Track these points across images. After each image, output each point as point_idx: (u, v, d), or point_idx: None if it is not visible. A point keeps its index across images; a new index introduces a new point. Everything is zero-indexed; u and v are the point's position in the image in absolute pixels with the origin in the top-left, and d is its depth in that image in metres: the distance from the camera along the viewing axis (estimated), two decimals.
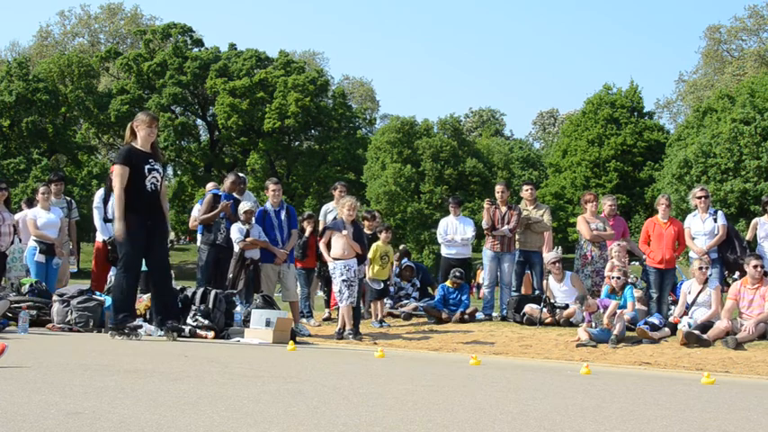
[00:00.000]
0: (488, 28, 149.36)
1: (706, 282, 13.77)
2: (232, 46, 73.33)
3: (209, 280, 14.76)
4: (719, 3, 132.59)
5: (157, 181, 10.93)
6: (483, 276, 17.09)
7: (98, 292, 13.95)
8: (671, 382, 9.46)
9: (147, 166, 10.83)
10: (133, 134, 10.98)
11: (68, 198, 17.25)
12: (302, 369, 8.41)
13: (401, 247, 20.82)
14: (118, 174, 10.81)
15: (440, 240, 17.39)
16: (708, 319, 13.32)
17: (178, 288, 13.95)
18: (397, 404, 5.75)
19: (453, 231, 17.01)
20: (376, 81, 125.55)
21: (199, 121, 74.73)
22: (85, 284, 14.71)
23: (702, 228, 14.81)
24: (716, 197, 42.45)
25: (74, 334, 12.39)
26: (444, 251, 17.22)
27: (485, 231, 16.24)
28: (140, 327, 11.18)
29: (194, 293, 13.52)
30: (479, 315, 16.14)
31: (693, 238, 14.87)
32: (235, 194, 15.50)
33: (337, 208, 15.33)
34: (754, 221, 15.43)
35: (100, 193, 15.80)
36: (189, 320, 12.95)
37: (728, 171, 45.82)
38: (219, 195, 15.43)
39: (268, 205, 15.29)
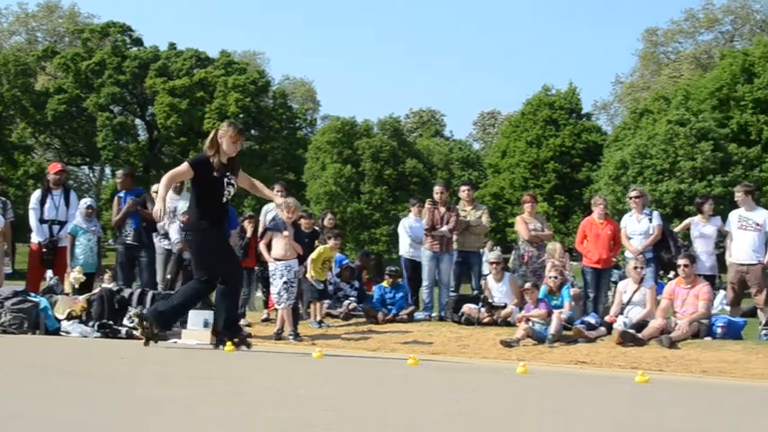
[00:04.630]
0: (429, 28, 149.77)
1: (641, 281, 13.96)
2: (172, 45, 72.64)
3: (126, 279, 14.95)
4: (657, 5, 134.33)
5: (230, 195, 10.47)
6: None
7: (33, 294, 13.78)
8: (606, 381, 9.59)
9: (225, 180, 10.28)
10: (214, 144, 10.21)
11: (3, 198, 17.02)
12: (240, 370, 8.38)
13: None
14: (180, 169, 10.41)
15: (405, 241, 17.34)
16: (643, 318, 13.49)
17: (115, 289, 13.86)
18: (335, 404, 5.76)
19: (416, 233, 16.96)
20: (317, 81, 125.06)
21: (138, 121, 73.92)
22: (20, 286, 14.53)
23: (638, 228, 15.01)
24: (651, 198, 42.98)
25: (8, 336, 12.22)
26: (409, 253, 17.12)
27: (424, 232, 16.28)
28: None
29: (131, 294, 13.42)
30: (418, 315, 16.17)
31: (630, 238, 15.06)
32: (171, 193, 15.50)
33: (277, 208, 15.29)
34: (687, 221, 15.70)
35: (36, 195, 15.72)
36: (125, 321, 12.84)
37: (664, 172, 46.40)
38: (122, 197, 15.68)
39: None
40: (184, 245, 14.58)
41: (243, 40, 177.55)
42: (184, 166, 10.32)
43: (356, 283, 17.41)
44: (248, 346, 10.75)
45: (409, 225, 17.07)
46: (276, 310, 14.52)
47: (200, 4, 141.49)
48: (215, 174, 10.11)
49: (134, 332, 12.50)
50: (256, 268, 16.55)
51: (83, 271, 14.86)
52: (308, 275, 15.04)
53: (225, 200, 10.36)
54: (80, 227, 15.30)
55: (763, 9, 73.36)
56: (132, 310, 12.99)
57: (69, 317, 13.27)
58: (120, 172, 16.30)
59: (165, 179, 10.32)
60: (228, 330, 10.60)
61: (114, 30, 71.81)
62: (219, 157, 10.17)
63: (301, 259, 14.38)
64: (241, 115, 65.15)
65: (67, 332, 12.91)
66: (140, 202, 15.47)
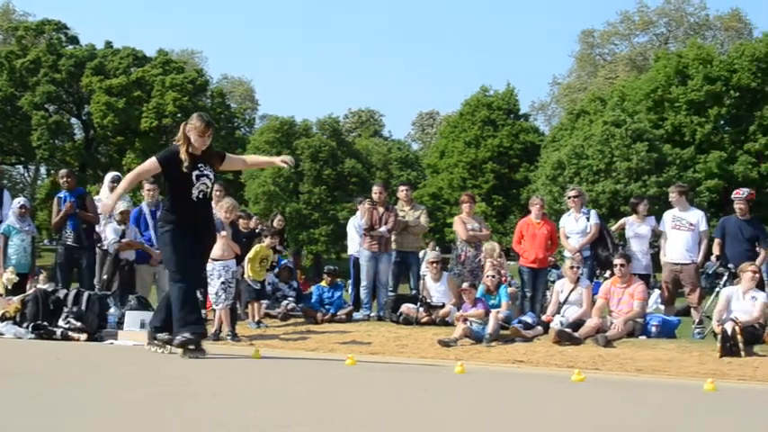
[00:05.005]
0: (369, 28, 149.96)
1: (577, 281, 14.10)
2: (108, 44, 71.79)
3: (65, 280, 14.78)
4: (593, 7, 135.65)
5: (207, 188, 9.96)
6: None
7: None
8: (542, 380, 9.67)
9: (195, 172, 9.83)
10: (184, 138, 9.83)
11: None
12: (177, 371, 8.33)
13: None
14: (147, 165, 9.97)
15: (355, 240, 17.29)
16: (579, 317, 13.63)
17: (50, 290, 13.69)
18: (273, 404, 5.75)
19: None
20: (256, 81, 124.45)
21: (74, 120, 72.98)
22: None
23: (576, 227, 15.15)
24: (588, 198, 43.44)
25: None
26: (358, 252, 17.05)
27: (363, 232, 16.28)
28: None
29: (66, 295, 13.28)
30: (357, 315, 16.19)
31: (568, 237, 15.20)
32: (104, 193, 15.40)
33: (215, 208, 15.25)
34: (622, 221, 15.91)
35: None
36: (61, 322, 12.71)
37: (600, 172, 46.88)
38: (61, 198, 15.46)
39: (144, 205, 15.11)
40: (122, 245, 14.46)
41: (181, 38, 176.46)
42: (151, 161, 9.94)
43: (294, 283, 17.39)
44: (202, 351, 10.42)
45: (358, 224, 17.07)
46: (214, 310, 14.44)
47: (137, 2, 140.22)
48: (184, 169, 9.73)
49: (69, 333, 12.37)
50: None
51: (15, 271, 14.65)
52: (245, 276, 14.99)
53: (200, 195, 9.84)
54: (13, 227, 15.09)
55: None
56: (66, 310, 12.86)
57: (3, 318, 13.09)
58: (62, 172, 16.07)
59: (130, 175, 10.08)
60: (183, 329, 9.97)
61: (50, 27, 70.82)
62: (191, 150, 9.82)
63: (239, 259, 14.33)
64: (179, 115, 64.63)
65: (1, 333, 12.74)
66: (79, 204, 15.26)
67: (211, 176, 9.99)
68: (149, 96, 65.96)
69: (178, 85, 65.66)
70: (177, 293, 9.75)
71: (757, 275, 12.82)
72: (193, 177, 9.78)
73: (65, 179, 15.89)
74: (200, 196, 9.85)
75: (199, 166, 9.83)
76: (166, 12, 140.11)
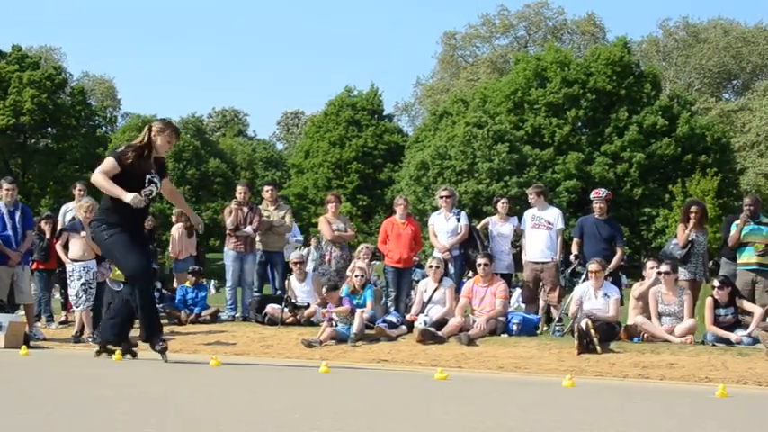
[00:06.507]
0: (232, 27, 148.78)
1: (440, 280, 14.27)
2: None
3: None
4: (455, 9, 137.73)
5: (152, 194, 9.79)
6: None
7: None
8: (406, 379, 9.77)
9: (148, 176, 9.67)
10: (146, 141, 9.67)
11: None
12: (35, 374, 8.14)
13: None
14: (110, 165, 9.47)
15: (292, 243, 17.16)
16: (442, 316, 13.78)
17: None
18: (133, 406, 5.67)
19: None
20: (118, 79, 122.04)
21: None
22: None
23: (446, 226, 15.25)
24: None
25: None
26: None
27: (227, 232, 16.16)
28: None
29: None
30: (222, 315, 16.07)
31: (436, 236, 15.33)
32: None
33: (76, 208, 15.02)
34: (485, 221, 16.17)
35: None
36: None
37: (463, 173, 47.60)
38: None
39: (1, 205, 14.68)
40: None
41: (38, 34, 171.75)
42: (111, 161, 9.56)
43: (158, 284, 17.16)
44: (134, 355, 10.27)
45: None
46: (74, 312, 14.17)
47: None
48: (136, 170, 9.57)
49: None
50: (58, 269, 16.11)
51: None
52: (107, 277, 14.76)
53: (145, 199, 9.60)
54: None
55: None
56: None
57: None
58: None
59: (105, 181, 9.43)
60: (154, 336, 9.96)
61: None
62: (151, 153, 9.74)
63: (100, 260, 14.10)
64: (37, 112, 62.93)
65: None
66: None
67: (158, 185, 9.89)
68: (6, 93, 63.98)
69: (36, 82, 63.86)
70: (142, 296, 9.68)
71: (601, 273, 13.21)
72: (146, 180, 9.68)
73: None
74: (146, 201, 9.68)
75: (151, 171, 9.76)
76: (22, 7, 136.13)
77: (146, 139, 9.72)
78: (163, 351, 9.79)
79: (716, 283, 12.99)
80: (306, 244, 16.50)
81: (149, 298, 9.94)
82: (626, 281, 21.14)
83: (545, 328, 14.20)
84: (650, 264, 13.91)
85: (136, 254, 9.66)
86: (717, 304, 12.74)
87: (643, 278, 14.14)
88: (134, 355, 10.22)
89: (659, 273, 13.11)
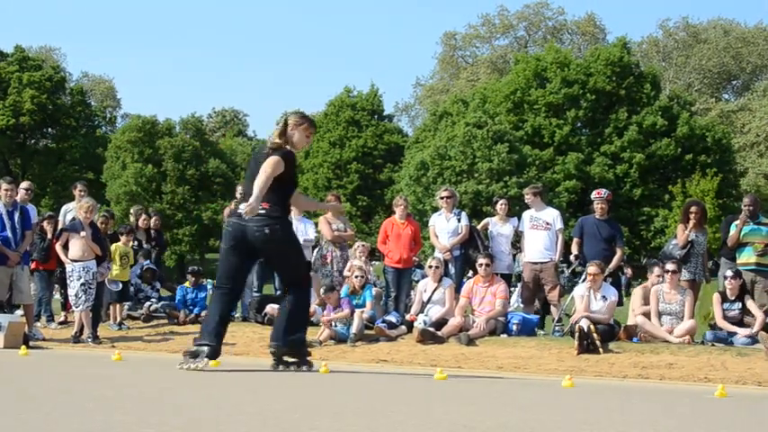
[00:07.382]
0: (233, 27, 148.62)
1: (440, 280, 14.27)
2: None
3: None
4: (455, 9, 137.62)
5: None
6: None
7: None
8: (406, 379, 9.77)
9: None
10: (284, 133, 9.07)
11: None
12: (35, 374, 8.14)
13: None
14: (275, 164, 8.76)
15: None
16: (442, 316, 13.80)
17: None
18: (134, 407, 5.67)
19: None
20: (117, 79, 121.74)
21: None
22: None
23: (447, 226, 15.25)
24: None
25: None
26: None
27: None
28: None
29: None
30: None
31: (437, 236, 15.33)
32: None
33: (76, 208, 15.07)
34: (485, 221, 16.18)
35: None
36: None
37: (463, 173, 47.53)
38: None
39: (0, 206, 14.68)
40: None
41: (39, 35, 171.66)
42: (277, 160, 8.86)
43: (158, 285, 17.18)
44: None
45: None
46: (74, 312, 14.18)
47: None
48: (290, 167, 9.07)
49: None
50: (58, 270, 16.15)
51: None
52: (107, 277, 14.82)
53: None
54: None
55: None
56: None
57: None
58: None
59: (265, 180, 8.75)
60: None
61: None
62: (292, 148, 9.13)
63: (100, 260, 14.13)
64: (37, 112, 62.96)
65: None
66: None
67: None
68: (6, 94, 63.98)
69: (36, 83, 63.85)
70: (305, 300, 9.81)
71: (598, 276, 13.22)
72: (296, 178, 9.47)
73: None
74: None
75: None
76: (24, 8, 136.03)
77: (281, 135, 9.05)
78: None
79: (728, 273, 13.03)
80: (316, 244, 16.42)
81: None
82: (624, 280, 21.19)
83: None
84: (657, 271, 13.92)
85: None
86: (724, 298, 12.82)
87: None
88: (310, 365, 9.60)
89: (666, 271, 13.16)
